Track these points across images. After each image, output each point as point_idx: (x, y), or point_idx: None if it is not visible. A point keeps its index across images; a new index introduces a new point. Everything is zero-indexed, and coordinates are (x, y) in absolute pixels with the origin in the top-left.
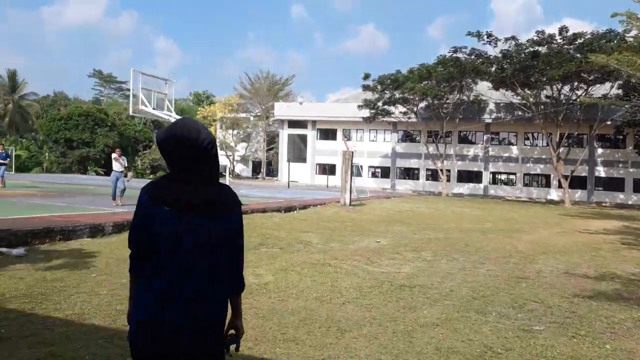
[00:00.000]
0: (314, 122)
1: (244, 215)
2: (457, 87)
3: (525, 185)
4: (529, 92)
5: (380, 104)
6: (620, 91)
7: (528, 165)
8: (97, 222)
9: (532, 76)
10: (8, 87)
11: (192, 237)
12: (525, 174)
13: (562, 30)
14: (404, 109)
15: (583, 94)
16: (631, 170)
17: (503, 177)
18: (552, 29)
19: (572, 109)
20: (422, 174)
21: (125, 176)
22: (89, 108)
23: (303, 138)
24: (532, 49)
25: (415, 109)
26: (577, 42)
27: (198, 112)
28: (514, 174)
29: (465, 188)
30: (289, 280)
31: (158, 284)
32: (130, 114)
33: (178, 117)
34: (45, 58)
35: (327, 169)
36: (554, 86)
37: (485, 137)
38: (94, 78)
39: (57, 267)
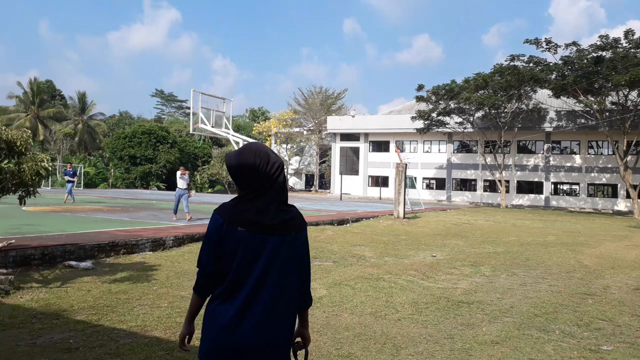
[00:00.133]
0: (366, 135)
1: None
2: (515, 95)
3: (590, 195)
4: (592, 98)
5: (434, 114)
6: None
7: (592, 174)
8: (158, 236)
9: (596, 82)
10: (78, 108)
11: (266, 256)
12: (589, 184)
13: (628, 33)
14: (459, 119)
15: None
16: None
17: (565, 187)
18: (617, 33)
19: None
20: (480, 185)
21: (189, 193)
22: (151, 126)
23: (355, 150)
24: (595, 54)
25: (471, 119)
26: None
27: (254, 128)
28: (577, 184)
29: (525, 199)
30: (343, 294)
31: (232, 305)
32: (191, 132)
33: (235, 134)
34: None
35: (380, 181)
36: (620, 92)
37: (545, 146)
38: (156, 97)
39: (121, 279)
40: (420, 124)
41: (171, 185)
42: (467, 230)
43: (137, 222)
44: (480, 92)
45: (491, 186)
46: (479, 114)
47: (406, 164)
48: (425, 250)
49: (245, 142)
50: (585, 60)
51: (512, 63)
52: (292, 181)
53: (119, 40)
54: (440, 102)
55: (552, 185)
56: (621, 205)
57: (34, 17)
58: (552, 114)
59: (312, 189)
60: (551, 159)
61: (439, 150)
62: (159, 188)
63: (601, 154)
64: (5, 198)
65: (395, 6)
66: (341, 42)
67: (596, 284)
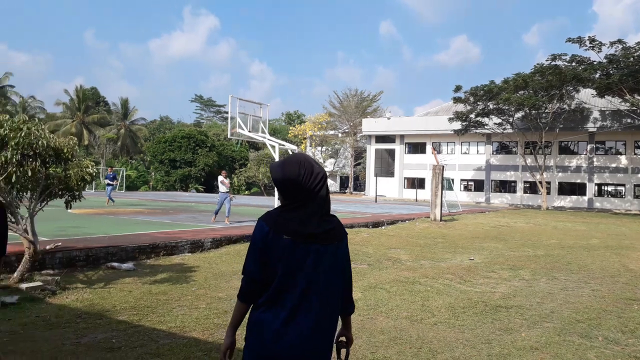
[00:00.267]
0: (401, 137)
1: None
2: (556, 95)
3: (636, 197)
4: (639, 97)
5: (472, 115)
6: None
7: (639, 175)
8: (197, 238)
9: None
10: (121, 113)
11: (312, 264)
12: (635, 185)
13: None
14: (498, 120)
15: None
16: None
17: (610, 188)
18: None
19: None
20: (520, 186)
21: (232, 197)
22: (190, 130)
23: (391, 152)
24: None
25: (510, 120)
26: None
27: (289, 132)
28: (623, 185)
29: (567, 201)
30: (378, 297)
31: (277, 314)
32: (228, 136)
33: (272, 138)
34: (152, 86)
35: (416, 183)
36: None
37: (589, 147)
38: (195, 102)
39: (161, 280)
40: (458, 125)
41: (209, 188)
42: (506, 233)
43: (176, 224)
44: (520, 92)
45: (531, 188)
46: (519, 114)
47: (443, 166)
48: (462, 254)
49: (281, 145)
50: (632, 59)
51: (553, 62)
52: None
53: (160, 47)
54: (478, 103)
55: (596, 187)
56: None
57: (80, 26)
58: (595, 114)
59: (346, 191)
60: (595, 159)
61: (477, 151)
62: (197, 190)
63: None
64: (52, 201)
65: (433, 7)
66: (377, 44)
67: None
